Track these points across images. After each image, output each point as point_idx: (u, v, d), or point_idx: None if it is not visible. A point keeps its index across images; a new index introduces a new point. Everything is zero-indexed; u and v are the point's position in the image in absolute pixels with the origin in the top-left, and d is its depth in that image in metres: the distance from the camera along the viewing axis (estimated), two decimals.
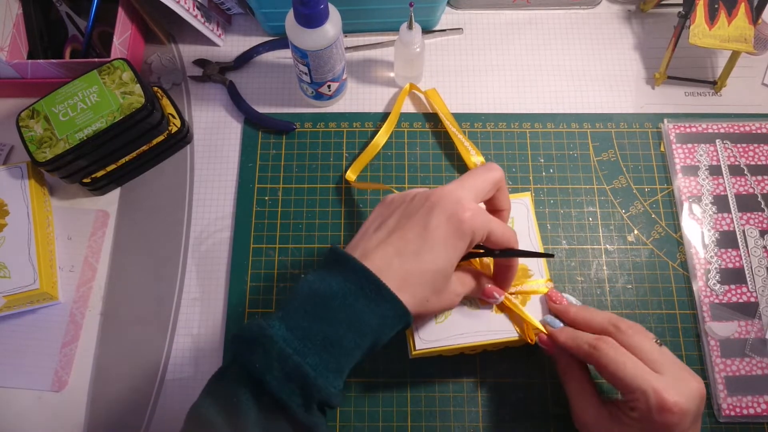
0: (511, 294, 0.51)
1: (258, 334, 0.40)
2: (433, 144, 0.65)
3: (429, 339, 0.51)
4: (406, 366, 0.57)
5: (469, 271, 0.50)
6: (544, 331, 0.50)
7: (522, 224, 0.54)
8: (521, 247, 0.54)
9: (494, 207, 0.49)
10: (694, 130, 0.64)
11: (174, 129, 0.63)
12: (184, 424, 0.40)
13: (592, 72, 0.69)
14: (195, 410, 0.40)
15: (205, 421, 0.39)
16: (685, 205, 0.62)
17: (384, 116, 0.66)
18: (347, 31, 0.68)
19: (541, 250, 0.54)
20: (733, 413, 0.54)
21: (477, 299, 0.52)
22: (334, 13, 0.56)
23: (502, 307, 0.52)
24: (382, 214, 0.46)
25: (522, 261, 0.54)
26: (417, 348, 0.51)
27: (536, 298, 0.52)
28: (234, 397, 0.39)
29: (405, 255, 0.42)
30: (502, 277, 0.50)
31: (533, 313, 0.51)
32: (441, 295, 0.45)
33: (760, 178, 0.62)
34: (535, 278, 0.53)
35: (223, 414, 0.39)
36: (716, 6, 0.62)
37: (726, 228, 0.61)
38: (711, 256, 0.60)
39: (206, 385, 0.42)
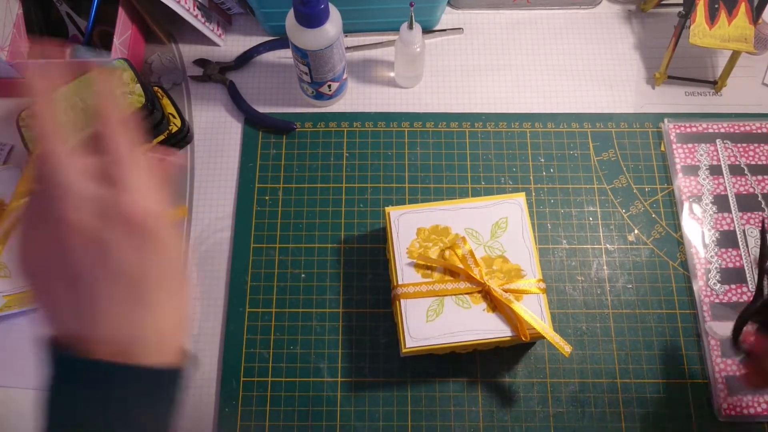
0: (506, 292, 0.51)
1: None
2: (433, 144, 0.65)
3: (419, 337, 0.51)
4: (406, 366, 0.57)
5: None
6: (541, 330, 0.50)
7: (516, 225, 0.54)
8: (515, 246, 0.54)
9: None
10: (694, 129, 0.64)
11: (174, 129, 0.63)
12: None
13: (592, 72, 0.69)
14: None
15: None
16: (686, 205, 0.62)
17: (384, 116, 0.66)
18: (347, 31, 0.68)
19: (534, 250, 0.54)
20: (733, 413, 0.54)
21: (467, 296, 0.52)
22: (334, 12, 0.56)
23: (494, 306, 0.52)
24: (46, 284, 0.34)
25: (515, 261, 0.53)
26: (407, 346, 0.51)
27: (528, 297, 0.52)
28: None
29: (136, 314, 0.32)
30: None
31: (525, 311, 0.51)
32: (184, 291, 0.35)
33: (760, 177, 0.62)
34: (527, 278, 0.53)
35: None
36: (716, 6, 0.62)
37: (726, 228, 0.61)
38: (711, 256, 0.60)
39: None
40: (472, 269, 0.52)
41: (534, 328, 0.51)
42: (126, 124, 0.32)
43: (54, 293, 0.31)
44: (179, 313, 0.34)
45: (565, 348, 0.51)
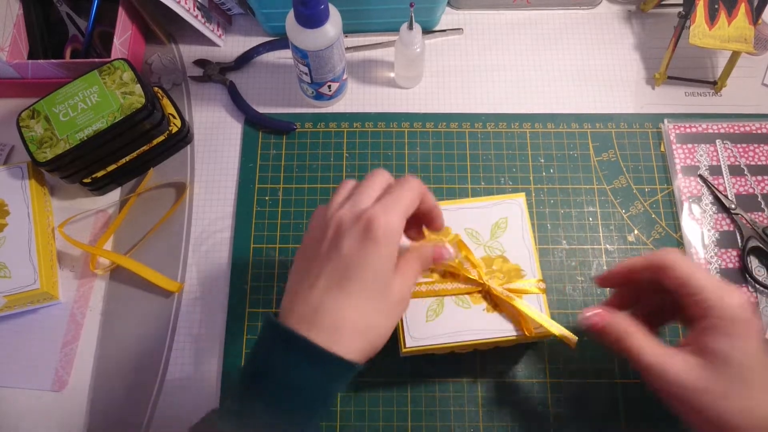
0: (509, 291, 0.51)
1: None
2: (433, 144, 0.65)
3: (419, 337, 0.51)
4: (406, 366, 0.57)
5: (406, 257, 0.45)
6: (545, 323, 0.50)
7: (516, 225, 0.54)
8: (515, 247, 0.54)
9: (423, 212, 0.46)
10: (694, 130, 0.64)
11: (174, 129, 0.63)
12: None
13: (592, 72, 0.69)
14: None
15: None
16: (685, 205, 0.62)
17: (384, 116, 0.66)
18: (347, 31, 0.68)
19: (534, 250, 0.54)
20: None
21: (467, 296, 0.52)
22: (334, 13, 0.56)
23: (495, 306, 0.52)
24: (301, 263, 0.44)
25: (515, 261, 0.53)
26: (407, 346, 0.51)
27: (527, 297, 0.52)
28: None
29: (332, 294, 0.40)
30: (431, 220, 0.47)
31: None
32: (390, 311, 0.42)
33: (760, 178, 0.62)
34: (527, 278, 0.53)
35: None
36: (716, 6, 0.62)
37: (726, 228, 0.61)
38: (711, 256, 0.60)
39: None
40: (469, 272, 0.52)
41: (537, 324, 0.51)
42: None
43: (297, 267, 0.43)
44: (367, 318, 0.40)
45: (571, 338, 0.51)
